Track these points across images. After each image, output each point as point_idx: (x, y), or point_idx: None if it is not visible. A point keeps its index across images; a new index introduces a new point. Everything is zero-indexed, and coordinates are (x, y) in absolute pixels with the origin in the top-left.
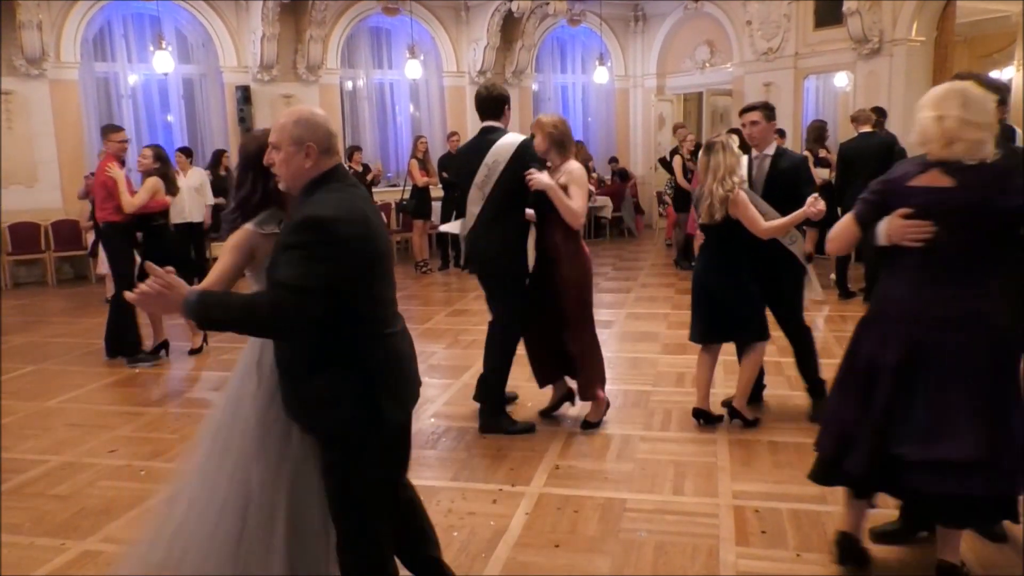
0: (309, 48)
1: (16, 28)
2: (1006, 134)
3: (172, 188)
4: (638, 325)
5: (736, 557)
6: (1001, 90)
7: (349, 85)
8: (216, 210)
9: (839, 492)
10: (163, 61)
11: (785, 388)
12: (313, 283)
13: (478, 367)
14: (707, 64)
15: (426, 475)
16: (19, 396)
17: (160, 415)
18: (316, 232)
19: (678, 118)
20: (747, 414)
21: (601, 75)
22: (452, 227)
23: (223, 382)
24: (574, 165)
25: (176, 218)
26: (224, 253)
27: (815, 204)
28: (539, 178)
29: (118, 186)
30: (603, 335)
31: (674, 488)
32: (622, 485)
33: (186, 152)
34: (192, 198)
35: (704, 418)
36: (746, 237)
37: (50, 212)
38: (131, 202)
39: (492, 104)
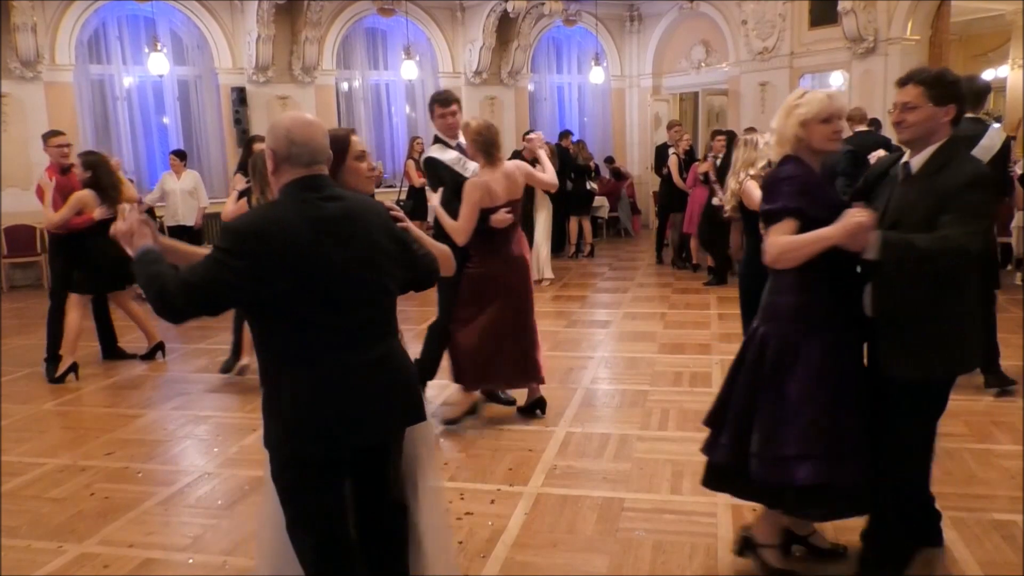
0: (305, 49)
1: (11, 30)
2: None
3: (110, 197)
4: (635, 325)
5: (734, 556)
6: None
7: (345, 86)
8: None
9: None
10: (158, 63)
11: None
12: (197, 281)
13: None
14: (703, 64)
15: None
16: (15, 399)
17: (157, 417)
18: (223, 238)
19: (674, 118)
20: None
21: (597, 75)
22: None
23: (219, 383)
24: (477, 179)
25: (169, 221)
26: None
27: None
28: (429, 200)
29: (44, 198)
30: (600, 335)
31: (672, 487)
32: (620, 485)
33: (180, 155)
34: (185, 201)
35: None
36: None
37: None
38: (50, 219)
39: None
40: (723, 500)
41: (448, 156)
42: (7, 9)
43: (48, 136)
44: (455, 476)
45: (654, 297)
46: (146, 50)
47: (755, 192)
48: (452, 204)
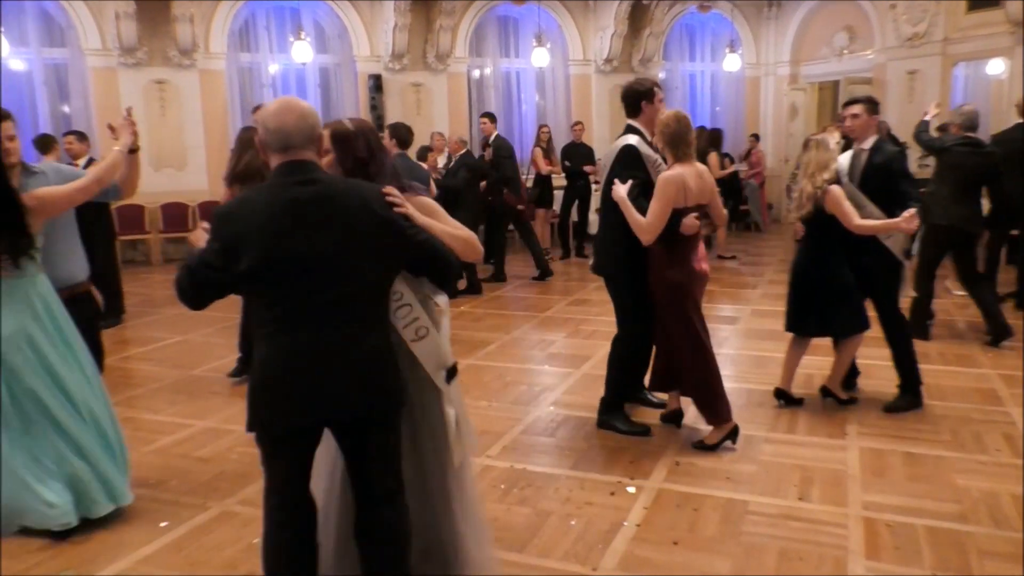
0: (439, 37)
1: (170, 21)
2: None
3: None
4: (764, 322)
5: (866, 571)
6: None
7: (476, 74)
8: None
9: (981, 512)
10: (302, 51)
11: (925, 396)
12: (194, 265)
13: (599, 357)
14: (845, 51)
15: (543, 462)
16: (168, 363)
17: None
18: (211, 220)
19: (812, 108)
20: (841, 394)
21: (731, 63)
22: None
23: None
24: (671, 172)
25: None
26: None
27: (910, 221)
28: (616, 189)
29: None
30: (726, 331)
31: (800, 493)
32: (744, 486)
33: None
34: None
35: (785, 399)
36: (841, 231)
37: (197, 193)
38: None
39: (625, 101)
40: (855, 511)
41: (647, 152)
42: (167, 3)
43: None
44: (576, 465)
45: (785, 295)
46: (291, 39)
47: (851, 215)
48: (639, 201)
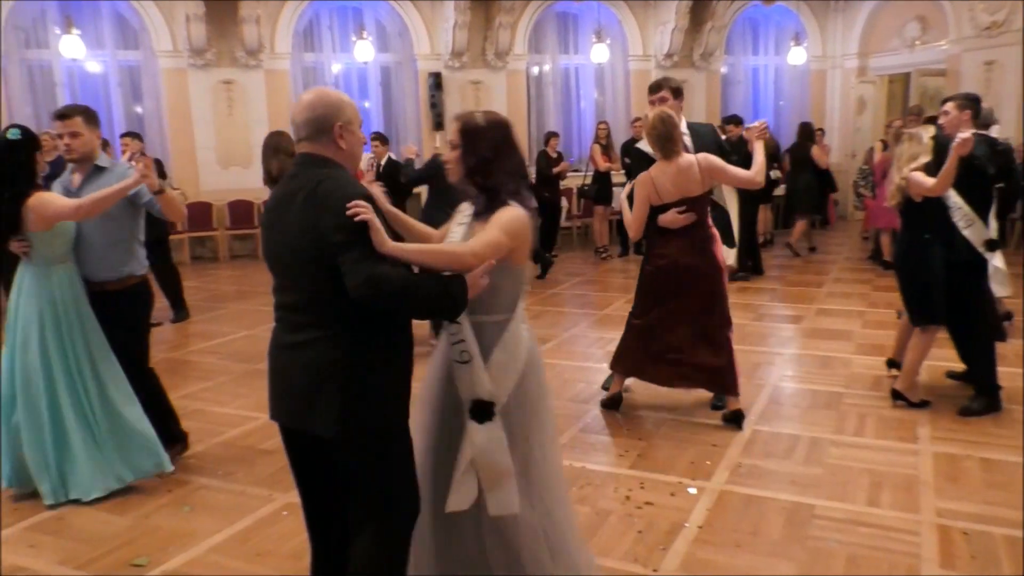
0: (498, 35)
1: (238, 22)
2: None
3: None
4: (829, 322)
5: None
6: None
7: (535, 70)
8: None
9: None
10: (364, 50)
11: (1006, 399)
12: None
13: None
14: (917, 42)
15: (602, 460)
16: (234, 358)
17: None
18: None
19: (881, 101)
20: (911, 396)
21: (797, 56)
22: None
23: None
24: (643, 174)
25: None
26: None
27: (962, 145)
28: (620, 195)
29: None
30: (789, 331)
31: (869, 499)
32: (810, 490)
33: (382, 138)
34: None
35: (900, 397)
36: (932, 220)
37: (262, 191)
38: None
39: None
40: (928, 518)
41: (647, 148)
42: (235, 4)
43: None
44: (635, 464)
45: (852, 294)
46: (353, 38)
47: (924, 180)
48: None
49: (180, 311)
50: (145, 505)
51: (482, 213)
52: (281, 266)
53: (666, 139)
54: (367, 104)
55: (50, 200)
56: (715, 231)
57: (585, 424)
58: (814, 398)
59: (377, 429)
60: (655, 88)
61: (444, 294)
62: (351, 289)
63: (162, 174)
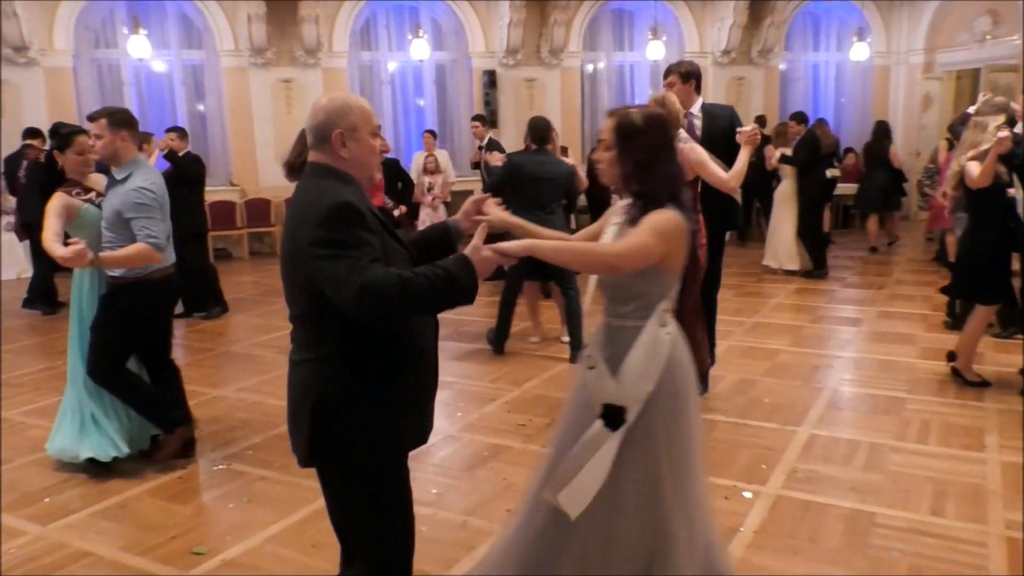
0: (553, 32)
1: (297, 22)
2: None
3: None
4: (891, 325)
5: None
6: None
7: (590, 68)
8: None
9: None
10: (420, 49)
11: None
12: None
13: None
14: (988, 36)
15: None
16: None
17: None
18: None
19: (948, 98)
20: (969, 375)
21: (860, 51)
22: None
23: (463, 352)
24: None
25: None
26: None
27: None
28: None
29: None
30: (848, 333)
31: (932, 508)
32: (870, 497)
33: (433, 134)
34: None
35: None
36: (991, 205)
37: None
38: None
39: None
40: (996, 530)
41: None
42: (295, 4)
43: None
44: None
45: (915, 296)
46: (409, 37)
47: (973, 171)
48: None
49: (215, 307)
50: (205, 495)
51: (636, 219)
52: (283, 279)
53: None
54: (421, 102)
55: (47, 219)
56: (701, 220)
57: None
58: (874, 403)
59: (344, 464)
60: (665, 73)
61: (448, 280)
62: (348, 307)
63: (197, 179)
